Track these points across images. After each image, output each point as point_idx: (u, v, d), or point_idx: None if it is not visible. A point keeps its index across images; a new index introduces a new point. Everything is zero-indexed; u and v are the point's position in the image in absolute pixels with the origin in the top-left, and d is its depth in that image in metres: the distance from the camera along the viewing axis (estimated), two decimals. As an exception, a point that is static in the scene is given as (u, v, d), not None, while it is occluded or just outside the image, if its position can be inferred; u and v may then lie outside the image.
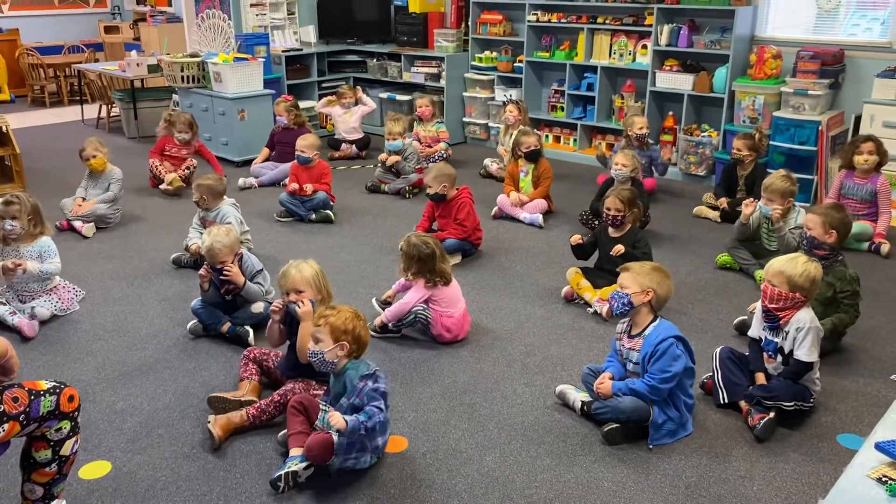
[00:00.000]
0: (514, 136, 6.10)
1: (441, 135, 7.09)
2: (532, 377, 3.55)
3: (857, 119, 5.95)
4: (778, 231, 4.47)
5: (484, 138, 8.12)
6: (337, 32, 8.76)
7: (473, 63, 8.04)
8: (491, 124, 7.98)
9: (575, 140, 7.53)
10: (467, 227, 4.90)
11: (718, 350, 3.37)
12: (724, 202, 5.62)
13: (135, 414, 3.25)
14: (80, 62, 10.01)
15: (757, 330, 3.31)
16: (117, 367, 3.64)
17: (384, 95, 8.37)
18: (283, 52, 8.10)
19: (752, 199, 4.73)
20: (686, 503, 2.73)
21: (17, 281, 4.09)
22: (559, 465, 2.93)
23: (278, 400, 3.13)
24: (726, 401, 3.26)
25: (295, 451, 2.82)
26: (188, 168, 6.43)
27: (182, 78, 7.33)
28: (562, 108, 7.53)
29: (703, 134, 6.64)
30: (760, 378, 3.25)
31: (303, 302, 3.17)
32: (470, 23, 7.97)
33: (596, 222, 5.16)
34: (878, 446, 2.02)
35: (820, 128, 5.83)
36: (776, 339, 3.19)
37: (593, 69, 7.20)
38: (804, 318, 3.10)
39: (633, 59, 7.00)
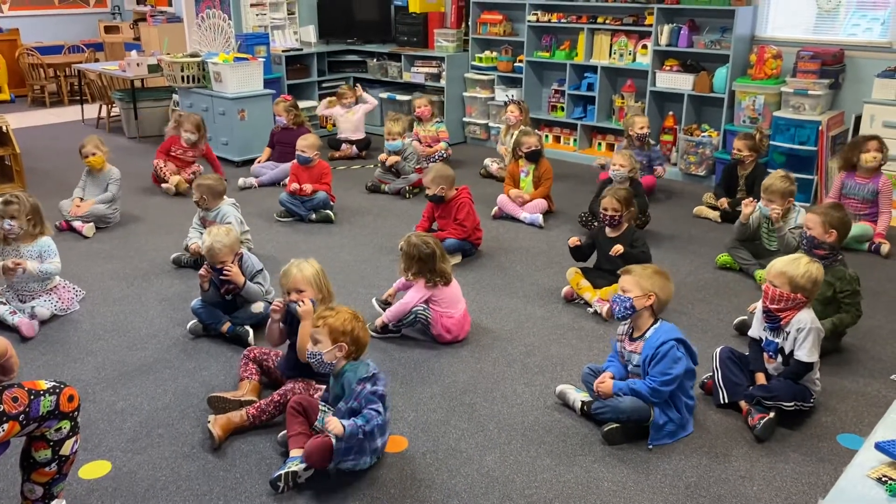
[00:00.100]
0: (514, 136, 6.11)
1: (441, 134, 7.09)
2: (532, 377, 3.55)
3: (857, 119, 5.95)
4: (778, 231, 4.47)
5: (484, 138, 8.12)
6: (337, 32, 8.76)
7: (473, 63, 8.04)
8: (491, 124, 7.98)
9: (575, 140, 7.53)
10: (467, 228, 4.90)
11: (718, 350, 3.37)
12: (724, 202, 5.62)
13: (135, 414, 3.25)
14: (81, 62, 10.01)
15: (757, 330, 3.31)
16: (117, 366, 3.64)
17: (384, 95, 8.37)
18: (283, 51, 8.10)
19: (751, 198, 4.73)
20: (686, 503, 2.73)
21: (18, 281, 4.10)
22: (559, 465, 2.93)
23: (278, 400, 3.13)
24: (726, 401, 3.26)
25: (295, 452, 2.82)
26: (194, 174, 6.38)
27: (182, 78, 7.32)
28: (562, 108, 7.53)
29: (703, 134, 6.64)
30: (760, 378, 3.25)
31: (303, 301, 3.18)
32: (470, 23, 7.97)
33: (595, 223, 5.15)
34: (878, 446, 2.02)
35: (820, 128, 5.83)
36: (777, 340, 3.19)
37: (593, 69, 7.20)
38: (805, 318, 3.10)
39: (634, 59, 7.00)
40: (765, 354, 3.26)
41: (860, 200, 5.21)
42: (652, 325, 3.10)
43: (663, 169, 6.24)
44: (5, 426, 2.25)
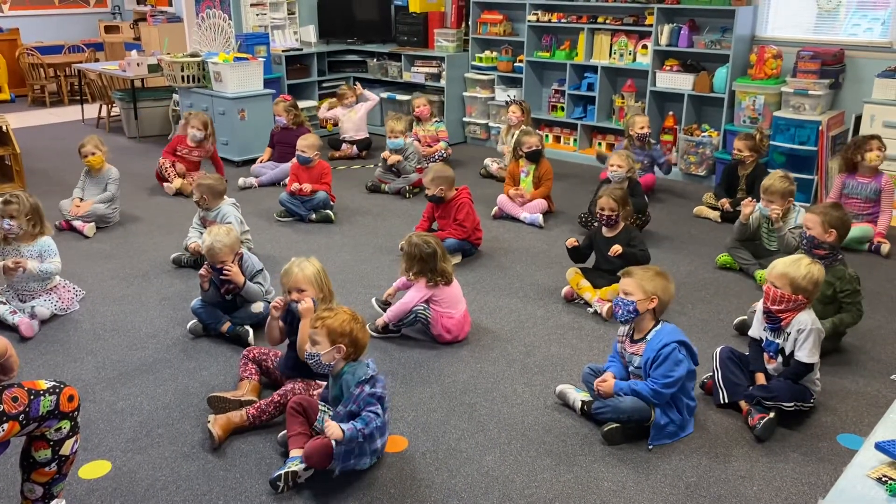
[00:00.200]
0: (515, 136, 6.10)
1: (440, 134, 7.09)
2: (532, 377, 3.55)
3: (858, 119, 5.94)
4: (778, 231, 4.47)
5: (484, 138, 8.12)
6: (337, 32, 8.76)
7: (474, 63, 8.04)
8: (491, 124, 7.98)
9: (575, 140, 7.53)
10: (467, 228, 4.90)
11: (718, 350, 3.37)
12: (725, 203, 5.62)
13: (135, 414, 3.25)
14: (81, 62, 10.01)
15: (757, 330, 3.31)
16: (117, 366, 3.64)
17: (384, 95, 8.36)
18: (283, 51, 8.10)
19: (751, 199, 4.73)
20: (686, 503, 2.73)
21: (18, 280, 4.10)
22: (559, 465, 2.92)
23: (278, 400, 3.12)
24: (726, 401, 3.26)
25: (295, 452, 2.82)
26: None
27: (182, 78, 7.32)
28: (562, 108, 7.53)
29: (703, 134, 6.64)
30: (760, 378, 3.25)
31: (304, 300, 3.17)
32: (470, 23, 7.97)
33: (594, 224, 5.15)
34: (878, 446, 2.02)
35: (820, 128, 5.83)
36: (777, 341, 3.19)
37: (593, 69, 7.20)
38: (805, 319, 3.10)
39: (634, 59, 7.00)
40: (765, 355, 3.26)
41: (863, 200, 5.21)
42: (653, 327, 3.10)
43: (673, 157, 6.36)
44: (5, 426, 2.25)
